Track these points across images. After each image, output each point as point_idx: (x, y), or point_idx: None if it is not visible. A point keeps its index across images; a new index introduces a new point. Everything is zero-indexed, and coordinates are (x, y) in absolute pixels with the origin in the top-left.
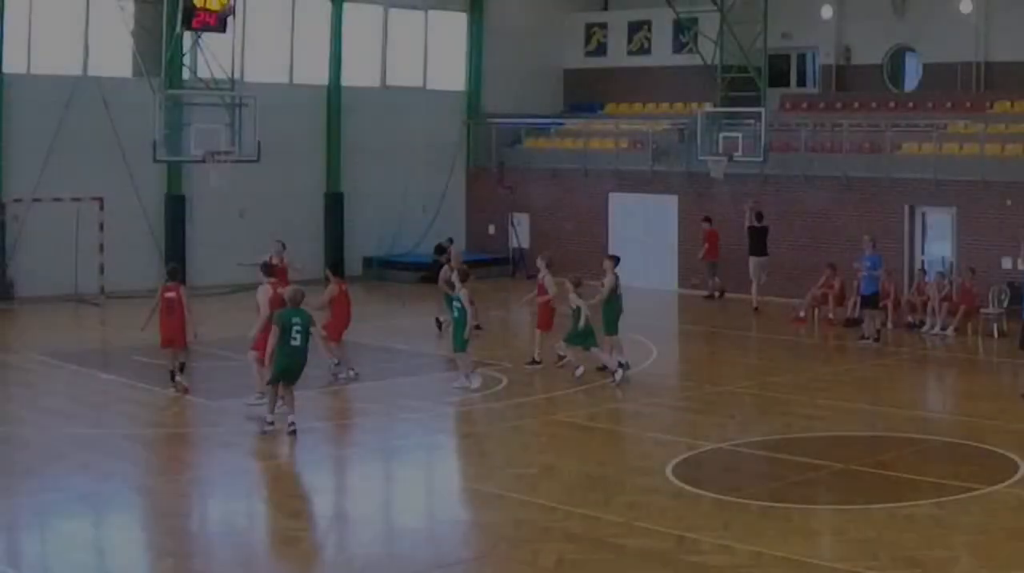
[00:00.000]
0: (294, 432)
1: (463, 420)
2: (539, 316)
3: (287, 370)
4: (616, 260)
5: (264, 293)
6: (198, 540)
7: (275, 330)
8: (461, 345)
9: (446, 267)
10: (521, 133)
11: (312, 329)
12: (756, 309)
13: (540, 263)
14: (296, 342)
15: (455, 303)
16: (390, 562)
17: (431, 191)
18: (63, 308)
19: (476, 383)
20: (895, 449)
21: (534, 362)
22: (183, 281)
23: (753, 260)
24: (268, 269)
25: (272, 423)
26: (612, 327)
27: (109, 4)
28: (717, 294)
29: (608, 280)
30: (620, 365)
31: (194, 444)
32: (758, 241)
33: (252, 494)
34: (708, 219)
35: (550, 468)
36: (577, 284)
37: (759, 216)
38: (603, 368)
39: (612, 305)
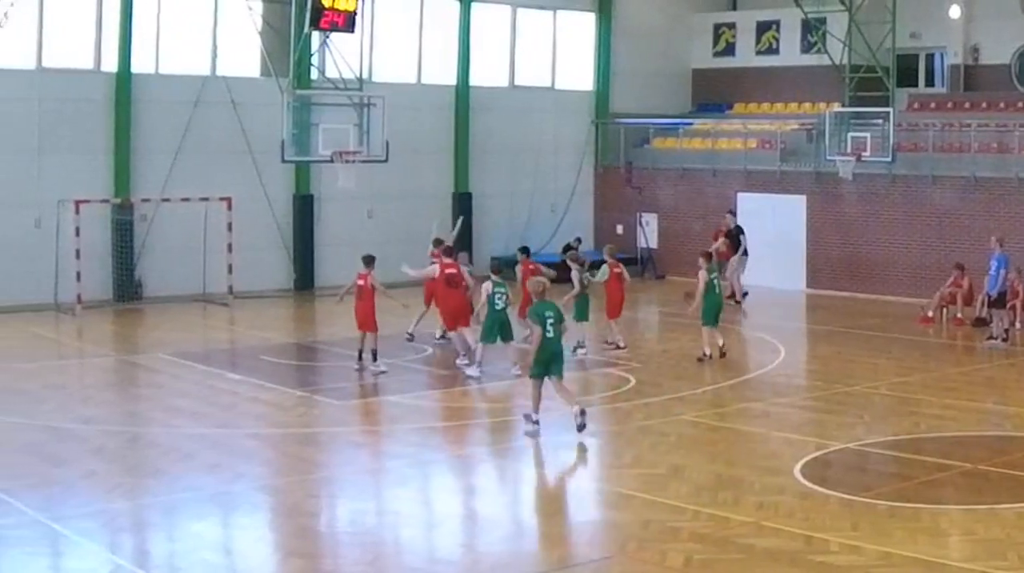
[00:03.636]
0: (583, 425)
1: (590, 420)
2: (608, 304)
3: (549, 362)
4: (708, 257)
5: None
6: (326, 540)
7: (533, 326)
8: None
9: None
10: (649, 133)
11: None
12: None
13: (605, 254)
14: (551, 334)
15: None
16: (517, 562)
17: (559, 191)
18: (191, 308)
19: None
20: (1023, 449)
21: (618, 347)
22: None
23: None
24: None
25: (537, 422)
26: (707, 318)
27: (237, 4)
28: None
29: (701, 275)
30: (704, 355)
31: (322, 444)
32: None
33: (380, 494)
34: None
35: (678, 468)
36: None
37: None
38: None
39: (707, 298)
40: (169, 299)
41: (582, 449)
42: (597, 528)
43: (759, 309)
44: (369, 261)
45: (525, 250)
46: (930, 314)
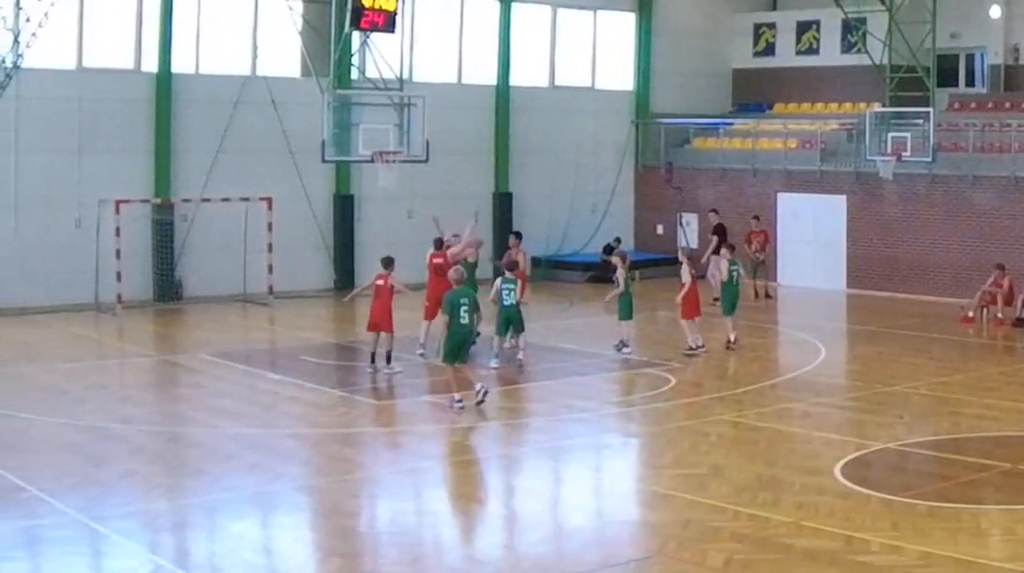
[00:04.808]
0: (456, 408)
1: (631, 420)
2: (684, 305)
3: (460, 347)
4: (732, 249)
5: None
6: (366, 540)
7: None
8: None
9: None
10: (689, 133)
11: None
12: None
13: (682, 256)
14: (464, 321)
15: None
16: (558, 562)
17: (599, 191)
18: (231, 308)
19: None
20: None
21: (693, 349)
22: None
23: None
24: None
25: (461, 401)
26: (725, 308)
27: (278, 4)
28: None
29: (722, 266)
30: (729, 342)
31: (362, 444)
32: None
33: (420, 494)
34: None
35: (718, 468)
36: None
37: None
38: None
39: (726, 288)
40: (209, 299)
41: (622, 449)
42: (637, 528)
43: (799, 309)
44: (388, 263)
45: (518, 235)
46: (970, 314)
